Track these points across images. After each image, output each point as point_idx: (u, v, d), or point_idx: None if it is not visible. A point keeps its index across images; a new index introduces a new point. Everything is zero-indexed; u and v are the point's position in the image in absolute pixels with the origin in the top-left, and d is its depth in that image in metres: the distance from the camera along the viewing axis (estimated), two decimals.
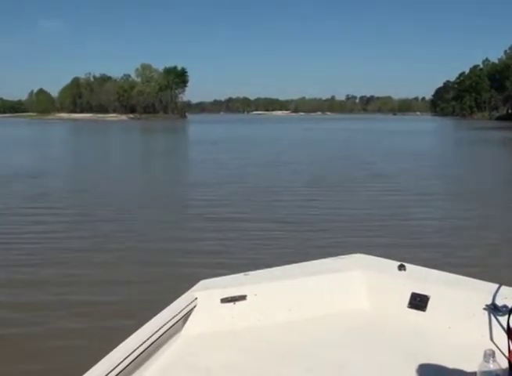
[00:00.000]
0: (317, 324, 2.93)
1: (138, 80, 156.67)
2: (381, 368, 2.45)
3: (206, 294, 2.93)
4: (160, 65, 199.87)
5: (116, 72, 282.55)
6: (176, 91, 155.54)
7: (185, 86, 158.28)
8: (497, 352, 1.93)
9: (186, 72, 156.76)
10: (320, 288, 3.12)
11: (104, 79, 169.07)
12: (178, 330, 2.74)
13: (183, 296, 2.89)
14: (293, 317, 2.97)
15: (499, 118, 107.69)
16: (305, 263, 3.46)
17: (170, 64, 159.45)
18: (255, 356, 2.59)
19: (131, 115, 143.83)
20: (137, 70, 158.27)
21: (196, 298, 2.88)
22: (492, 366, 1.79)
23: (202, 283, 3.08)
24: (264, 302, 2.99)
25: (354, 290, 3.16)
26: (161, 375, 2.39)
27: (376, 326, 2.93)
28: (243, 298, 2.95)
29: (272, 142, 39.25)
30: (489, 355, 1.81)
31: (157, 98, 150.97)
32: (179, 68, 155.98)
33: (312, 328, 2.89)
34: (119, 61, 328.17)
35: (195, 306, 2.86)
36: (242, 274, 3.23)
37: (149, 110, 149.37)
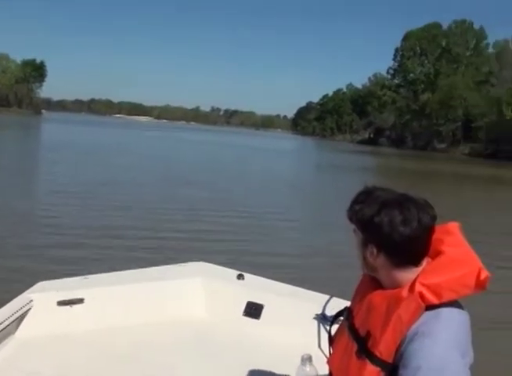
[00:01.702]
0: (152, 330, 2.89)
1: None
2: (211, 374, 2.50)
3: (42, 296, 2.81)
4: (19, 57, 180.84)
5: None
6: (33, 85, 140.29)
7: (43, 81, 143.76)
8: (320, 357, 2.04)
9: (45, 66, 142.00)
10: (158, 294, 3.09)
11: None
12: (11, 333, 2.61)
13: (18, 298, 2.75)
14: (129, 322, 2.91)
15: (360, 142, 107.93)
16: (146, 269, 3.39)
17: (30, 57, 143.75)
18: (89, 360, 2.53)
19: None
20: None
21: (32, 300, 2.76)
22: (308, 369, 1.84)
23: (39, 284, 2.95)
24: (101, 306, 2.90)
25: (191, 297, 3.16)
26: None
27: (210, 333, 2.95)
28: (80, 301, 2.86)
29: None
30: (306, 359, 1.85)
31: (12, 91, 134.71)
32: (38, 61, 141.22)
33: (147, 334, 2.86)
34: None
35: (30, 308, 2.73)
36: (81, 277, 3.13)
37: (3, 103, 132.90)
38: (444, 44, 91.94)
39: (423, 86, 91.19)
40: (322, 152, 61.46)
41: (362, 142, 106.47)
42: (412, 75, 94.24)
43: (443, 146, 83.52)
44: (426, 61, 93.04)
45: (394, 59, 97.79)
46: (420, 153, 74.84)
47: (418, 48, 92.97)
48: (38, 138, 44.69)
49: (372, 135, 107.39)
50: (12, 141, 35.84)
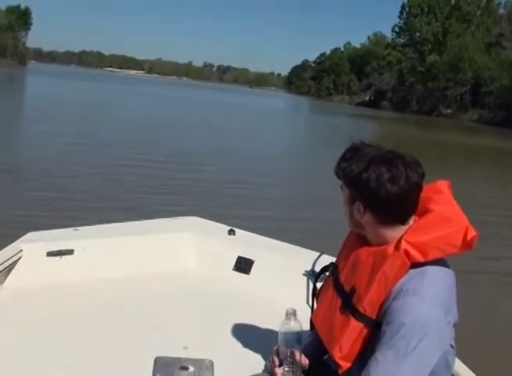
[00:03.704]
0: (142, 282, 2.89)
1: None
2: (198, 327, 2.47)
3: (32, 246, 2.79)
4: (3, 4, 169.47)
5: None
6: (18, 33, 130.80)
7: (29, 29, 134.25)
8: (306, 312, 2.02)
9: (30, 12, 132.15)
10: (149, 247, 3.07)
11: None
12: (0, 283, 2.61)
13: (8, 247, 2.72)
14: (119, 274, 2.88)
15: (359, 104, 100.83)
16: (138, 222, 3.39)
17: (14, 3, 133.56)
18: (76, 311, 2.52)
19: None
20: None
21: (22, 250, 2.73)
22: (292, 324, 1.79)
23: (30, 235, 2.92)
24: (91, 258, 2.88)
25: (182, 251, 3.14)
26: None
27: (200, 286, 2.95)
28: (70, 252, 2.84)
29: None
30: (290, 313, 1.81)
31: None
32: (22, 7, 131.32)
33: (137, 285, 2.85)
34: None
35: (19, 258, 2.71)
36: (71, 229, 3.11)
37: None
38: (453, 1, 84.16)
39: (430, 46, 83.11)
40: (319, 115, 54.46)
41: (362, 104, 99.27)
42: (418, 34, 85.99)
43: (449, 111, 76.25)
44: (434, 19, 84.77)
45: (399, 17, 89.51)
46: (424, 118, 68.72)
47: (426, 5, 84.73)
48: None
49: (372, 98, 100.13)
50: None
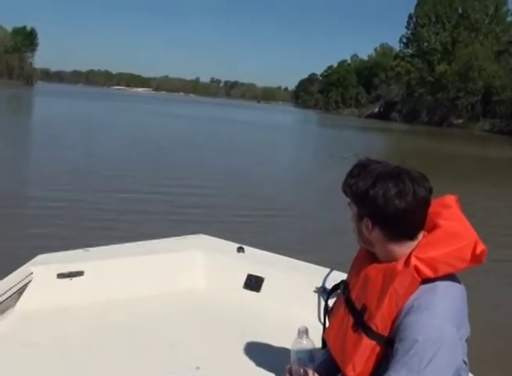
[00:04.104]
0: (153, 303, 2.89)
1: None
2: (210, 346, 2.48)
3: (42, 268, 2.79)
4: (10, 25, 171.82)
5: None
6: (24, 54, 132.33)
7: (35, 50, 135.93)
8: (318, 330, 2.00)
9: (36, 33, 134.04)
10: (158, 267, 3.08)
11: None
12: (11, 306, 2.61)
13: (18, 270, 2.74)
14: (129, 295, 2.89)
15: (369, 116, 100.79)
16: (146, 242, 3.38)
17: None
18: (88, 333, 2.53)
19: None
20: None
21: (32, 273, 2.74)
22: (305, 342, 1.78)
23: (40, 257, 2.94)
24: (101, 279, 2.90)
25: (192, 269, 3.14)
26: None
27: (210, 305, 2.95)
28: (80, 273, 2.85)
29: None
30: (302, 332, 1.80)
31: (3, 61, 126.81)
32: (28, 28, 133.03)
33: (147, 306, 2.86)
34: None
35: (30, 281, 2.72)
36: (81, 250, 3.13)
37: None
38: (461, 10, 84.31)
39: (439, 56, 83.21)
40: (329, 128, 54.26)
41: (371, 116, 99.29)
42: (426, 44, 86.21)
43: (460, 121, 76.04)
44: (442, 29, 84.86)
45: (407, 27, 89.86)
46: (435, 129, 68.56)
47: (433, 14, 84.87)
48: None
49: (382, 110, 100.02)
50: None
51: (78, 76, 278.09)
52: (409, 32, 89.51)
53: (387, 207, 1.53)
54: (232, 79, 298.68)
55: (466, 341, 1.55)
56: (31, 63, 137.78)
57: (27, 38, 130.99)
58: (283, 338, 2.11)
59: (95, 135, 22.77)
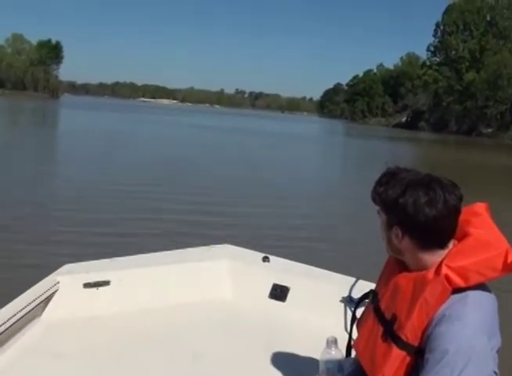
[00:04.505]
0: (179, 312, 2.91)
1: (9, 51, 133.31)
2: (237, 356, 2.48)
3: (69, 278, 2.83)
4: (35, 38, 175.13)
5: None
6: (50, 67, 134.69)
7: (60, 62, 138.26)
8: (346, 340, 1.99)
9: (61, 46, 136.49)
10: (185, 276, 3.10)
11: None
12: (38, 315, 2.64)
13: (45, 280, 2.76)
14: (156, 304, 2.91)
15: (396, 126, 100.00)
16: (172, 251, 3.41)
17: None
18: (114, 342, 2.54)
19: None
20: (7, 40, 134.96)
21: (59, 282, 2.77)
22: (333, 352, 1.79)
23: (66, 267, 2.97)
24: (127, 288, 2.91)
25: (217, 279, 3.16)
26: (17, 360, 2.28)
27: (236, 315, 2.96)
28: (106, 283, 2.87)
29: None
30: (331, 342, 1.81)
31: (28, 73, 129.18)
32: (53, 42, 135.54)
33: (174, 316, 2.87)
34: None
35: (56, 290, 2.75)
36: (107, 259, 3.15)
37: (19, 86, 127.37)
38: (489, 17, 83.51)
39: (467, 64, 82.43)
40: (356, 138, 54.10)
41: (398, 125, 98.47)
42: (454, 52, 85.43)
43: (490, 130, 75.08)
44: (470, 37, 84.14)
45: (434, 35, 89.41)
46: (464, 138, 67.62)
47: (461, 22, 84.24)
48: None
49: (409, 119, 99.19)
50: None
51: (104, 88, 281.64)
52: (437, 40, 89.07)
53: (417, 216, 1.52)
54: (257, 90, 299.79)
55: (497, 351, 1.53)
56: (57, 76, 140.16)
57: (52, 51, 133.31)
58: (309, 348, 2.09)
59: (128, 147, 23.10)
